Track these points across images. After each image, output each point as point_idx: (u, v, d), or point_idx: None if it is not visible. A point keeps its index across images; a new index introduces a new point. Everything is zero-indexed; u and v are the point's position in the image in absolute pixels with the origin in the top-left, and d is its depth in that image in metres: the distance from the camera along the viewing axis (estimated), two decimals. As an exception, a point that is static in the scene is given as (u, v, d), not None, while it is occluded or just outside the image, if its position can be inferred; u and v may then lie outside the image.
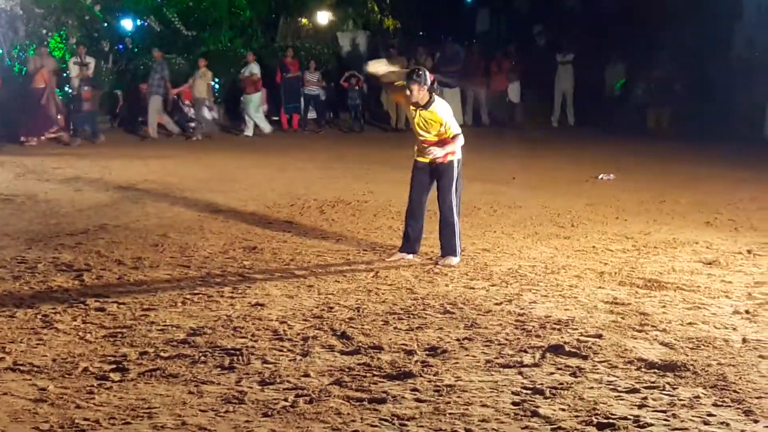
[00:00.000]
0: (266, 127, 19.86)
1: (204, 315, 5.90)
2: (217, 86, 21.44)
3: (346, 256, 7.78)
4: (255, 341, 5.32)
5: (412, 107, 7.45)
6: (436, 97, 7.43)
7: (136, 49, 22.17)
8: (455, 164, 7.57)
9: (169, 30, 22.50)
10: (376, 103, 21.86)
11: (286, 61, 20.93)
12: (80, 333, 5.45)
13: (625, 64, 21.37)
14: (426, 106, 7.39)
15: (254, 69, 19.61)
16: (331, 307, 6.13)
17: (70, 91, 18.33)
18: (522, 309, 6.12)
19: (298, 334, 5.47)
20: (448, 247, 7.57)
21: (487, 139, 18.72)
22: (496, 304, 6.27)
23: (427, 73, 7.38)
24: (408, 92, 7.30)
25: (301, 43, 23.65)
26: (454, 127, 7.47)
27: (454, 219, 7.55)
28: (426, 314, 5.98)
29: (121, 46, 22.56)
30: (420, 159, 7.64)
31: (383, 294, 6.53)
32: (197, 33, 22.79)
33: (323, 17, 25.02)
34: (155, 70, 18.75)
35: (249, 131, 19.65)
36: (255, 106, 19.66)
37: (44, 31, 19.54)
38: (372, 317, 5.89)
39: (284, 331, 5.54)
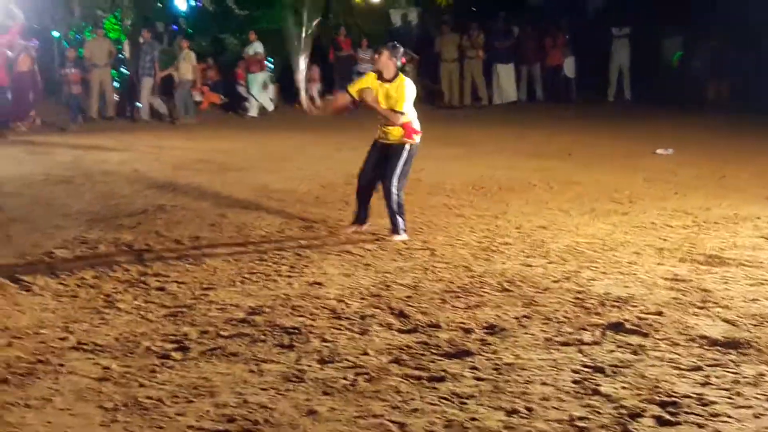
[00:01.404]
0: (270, 106, 19.83)
1: (262, 294, 5.94)
2: (271, 66, 21.52)
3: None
4: (313, 320, 5.35)
5: (378, 81, 7.56)
6: (404, 77, 7.56)
7: (190, 30, 22.30)
8: (407, 148, 7.59)
9: (221, 9, 22.57)
10: (430, 80, 21.75)
11: (339, 40, 20.93)
12: (141, 312, 5.52)
13: (682, 37, 20.99)
14: (391, 80, 7.52)
15: (258, 48, 19.51)
16: (388, 286, 6.14)
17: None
18: (581, 286, 6.07)
19: (356, 313, 5.49)
20: (393, 225, 7.64)
21: (542, 115, 18.64)
22: (554, 281, 6.23)
23: (401, 50, 7.64)
24: (377, 56, 7.68)
25: (354, 21, 23.59)
26: (405, 108, 7.50)
27: (393, 198, 7.54)
28: (483, 292, 5.96)
29: (175, 27, 22.72)
30: (378, 138, 7.73)
31: (440, 272, 6.52)
32: (250, 12, 22.84)
33: (375, -6, 24.90)
34: (145, 51, 18.27)
35: (253, 111, 19.51)
36: (259, 85, 19.57)
37: (99, 13, 19.73)
38: (429, 295, 5.89)
39: (342, 309, 5.56)
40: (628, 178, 10.56)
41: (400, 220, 7.59)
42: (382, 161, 7.65)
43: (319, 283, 6.21)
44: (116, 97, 18.50)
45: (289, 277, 6.41)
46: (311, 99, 21.14)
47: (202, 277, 6.40)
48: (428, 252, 7.15)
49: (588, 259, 6.85)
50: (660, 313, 5.41)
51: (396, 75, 7.53)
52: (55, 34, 19.90)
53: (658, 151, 12.65)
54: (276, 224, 8.22)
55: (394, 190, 7.51)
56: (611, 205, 9.08)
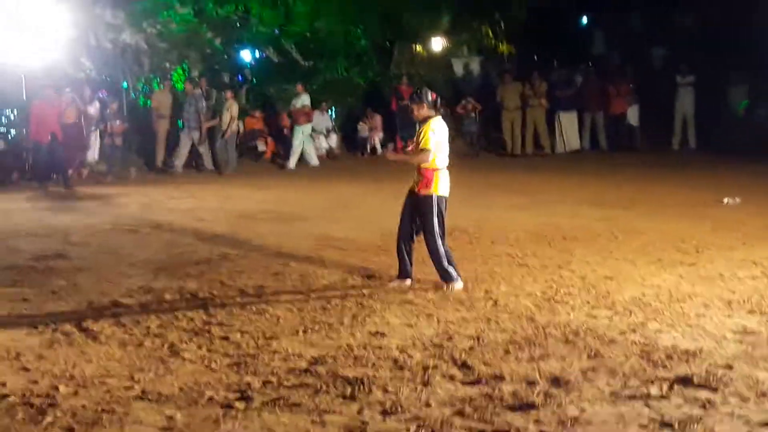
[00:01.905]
0: (313, 160, 19.41)
1: (325, 344, 5.94)
2: (333, 115, 21.76)
3: (465, 284, 7.70)
4: (376, 370, 5.33)
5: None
6: (432, 120, 7.55)
7: (254, 80, 22.67)
8: (434, 201, 7.52)
9: (286, 60, 22.92)
10: (493, 128, 21.77)
11: (401, 89, 21.06)
12: (206, 362, 5.56)
13: (748, 84, 20.74)
14: (424, 121, 7.57)
15: (305, 100, 19.35)
16: (451, 336, 6.10)
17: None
18: (647, 338, 5.96)
19: (419, 364, 5.46)
20: (441, 275, 7.58)
21: (606, 163, 18.50)
22: (620, 333, 6.13)
23: (429, 92, 7.67)
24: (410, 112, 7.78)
25: (416, 70, 23.78)
26: (430, 144, 7.47)
27: (437, 251, 7.50)
28: (548, 343, 5.89)
29: (240, 78, 23.12)
30: (410, 188, 7.73)
31: (503, 323, 6.47)
32: (314, 62, 23.16)
33: (437, 44, 25.11)
34: (189, 103, 18.20)
35: (292, 164, 19.13)
36: (306, 137, 19.34)
37: (167, 65, 20.16)
38: (492, 346, 5.84)
39: (404, 360, 5.54)
40: (695, 228, 10.39)
41: (450, 269, 7.56)
42: (414, 214, 7.65)
43: (382, 333, 6.20)
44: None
45: (352, 326, 6.40)
46: (373, 148, 21.30)
47: (266, 326, 6.43)
48: (491, 302, 7.10)
49: (654, 311, 6.74)
50: (729, 367, 5.28)
51: (426, 118, 7.57)
52: (125, 85, 20.37)
53: (725, 200, 12.43)
54: (338, 273, 8.24)
55: (437, 242, 7.50)
56: (678, 255, 8.94)
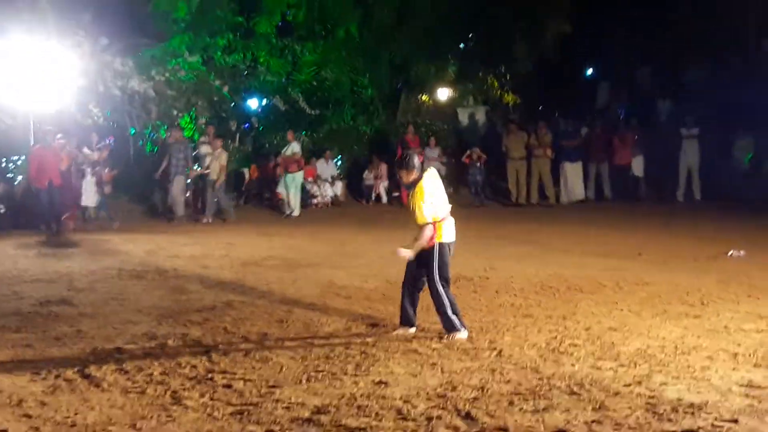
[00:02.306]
0: (297, 210, 19.47)
1: (328, 393, 5.91)
2: (338, 162, 21.86)
3: (469, 333, 7.69)
4: (379, 420, 5.29)
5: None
6: (423, 180, 7.57)
7: (261, 128, 22.82)
8: (436, 249, 7.52)
9: (293, 109, 23.10)
10: (498, 178, 21.85)
11: (407, 138, 21.21)
12: (208, 410, 5.53)
13: (753, 137, 20.82)
14: (414, 183, 7.59)
15: (296, 148, 19.47)
16: (455, 387, 6.07)
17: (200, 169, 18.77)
18: (652, 391, 5.92)
19: (422, 414, 5.42)
20: (444, 324, 7.57)
21: (611, 214, 18.52)
22: (625, 385, 6.09)
23: (415, 157, 7.72)
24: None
25: (422, 120, 23.95)
26: (425, 213, 7.49)
27: (440, 299, 7.50)
28: (552, 395, 5.85)
29: (247, 125, 23.29)
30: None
31: (507, 373, 6.43)
32: (321, 111, 23.33)
33: (443, 93, 25.33)
34: (177, 149, 18.27)
35: (296, 211, 19.32)
36: (297, 184, 19.42)
37: (175, 112, 20.32)
38: (497, 397, 5.80)
39: (408, 410, 5.50)
40: (700, 280, 10.37)
41: (454, 318, 7.54)
42: (420, 262, 7.63)
43: (385, 383, 6.17)
44: (188, 194, 18.83)
45: (355, 375, 6.37)
46: (378, 196, 21.38)
47: (269, 374, 6.41)
48: (495, 352, 7.07)
49: (660, 363, 6.70)
50: (735, 421, 5.25)
51: (416, 180, 7.59)
52: (132, 131, 20.52)
53: (730, 252, 12.42)
54: (343, 321, 8.22)
55: (439, 288, 7.49)
56: (683, 307, 8.91)
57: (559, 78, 26.67)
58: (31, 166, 16.09)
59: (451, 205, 7.74)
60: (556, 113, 23.57)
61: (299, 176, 19.47)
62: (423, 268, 7.61)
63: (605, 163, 21.14)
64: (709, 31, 23.14)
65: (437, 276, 7.50)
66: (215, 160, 18.28)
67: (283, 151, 19.67)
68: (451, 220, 7.68)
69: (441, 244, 7.56)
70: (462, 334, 7.50)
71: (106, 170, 17.66)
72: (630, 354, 6.98)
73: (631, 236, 14.68)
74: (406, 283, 7.74)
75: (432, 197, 7.55)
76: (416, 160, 7.67)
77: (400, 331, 7.69)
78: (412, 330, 7.70)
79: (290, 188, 19.32)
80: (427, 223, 7.48)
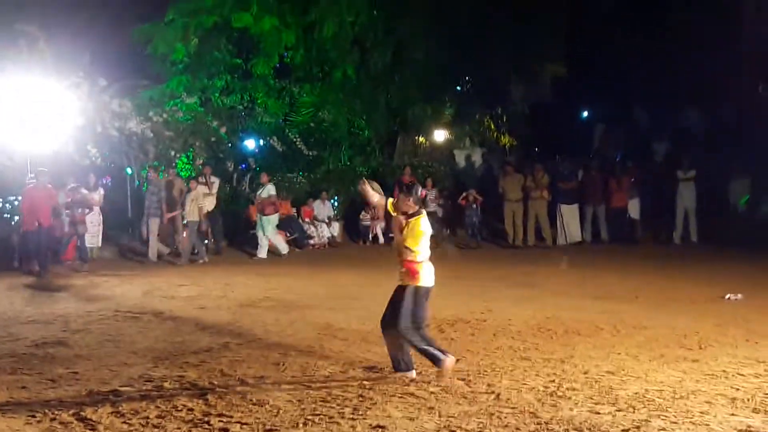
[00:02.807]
0: (283, 249, 19.45)
1: (325, 437, 5.88)
2: (335, 203, 21.92)
3: (467, 376, 7.65)
4: (377, 465, 5.26)
5: (402, 217, 7.67)
6: (422, 217, 7.62)
7: (258, 168, 22.91)
8: (411, 291, 7.52)
9: (290, 149, 23.20)
10: (494, 219, 21.90)
11: (404, 179, 21.25)
12: (204, 454, 5.49)
13: (749, 179, 20.91)
14: (413, 215, 7.61)
15: (271, 190, 19.40)
16: (453, 431, 6.03)
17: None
18: (651, 436, 5.90)
19: (420, 459, 5.39)
20: (431, 360, 7.53)
21: (608, 256, 18.53)
22: (624, 430, 6.05)
23: (420, 189, 7.94)
24: (395, 199, 7.83)
25: (418, 161, 24.05)
26: (421, 246, 7.54)
27: (407, 339, 7.48)
28: (550, 440, 5.82)
29: (244, 166, 23.36)
30: (398, 281, 7.72)
31: (505, 417, 6.40)
32: (318, 152, 23.43)
33: (440, 135, 25.45)
34: (151, 191, 18.40)
35: (263, 253, 19.21)
36: (273, 226, 19.34)
37: (172, 153, 20.39)
38: (495, 442, 5.77)
39: (406, 455, 5.47)
40: (698, 324, 10.35)
41: (432, 350, 7.49)
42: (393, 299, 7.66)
43: (383, 427, 6.13)
44: (184, 234, 18.84)
45: (353, 419, 6.33)
46: (375, 237, 21.40)
47: (266, 417, 6.36)
48: (493, 396, 7.03)
49: (658, 408, 6.67)
50: (735, 467, 5.22)
51: (415, 214, 7.62)
52: (129, 171, 20.57)
53: (728, 296, 12.41)
54: (340, 364, 8.19)
55: (402, 330, 7.45)
56: (681, 351, 8.88)
57: (555, 120, 26.83)
58: (23, 207, 16.10)
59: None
60: (556, 156, 23.65)
61: (274, 218, 19.35)
62: (392, 307, 7.58)
63: (602, 205, 21.22)
64: (705, 74, 23.31)
65: (402, 315, 7.45)
66: (191, 201, 18.28)
67: (258, 193, 19.57)
68: (431, 266, 7.68)
69: (417, 288, 7.54)
70: (450, 359, 7.48)
71: (79, 210, 17.19)
72: (628, 398, 6.95)
73: (628, 279, 14.69)
74: (382, 324, 7.71)
75: (425, 237, 7.59)
76: (420, 192, 7.82)
77: (398, 376, 7.64)
78: (412, 374, 7.65)
79: (266, 230, 19.20)
80: (411, 251, 7.50)
